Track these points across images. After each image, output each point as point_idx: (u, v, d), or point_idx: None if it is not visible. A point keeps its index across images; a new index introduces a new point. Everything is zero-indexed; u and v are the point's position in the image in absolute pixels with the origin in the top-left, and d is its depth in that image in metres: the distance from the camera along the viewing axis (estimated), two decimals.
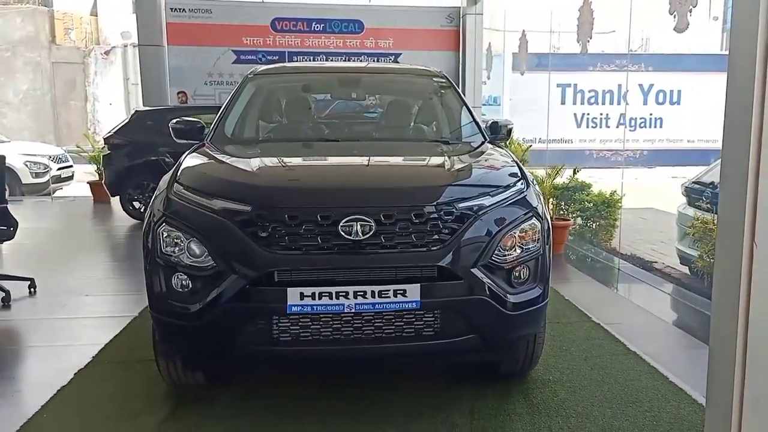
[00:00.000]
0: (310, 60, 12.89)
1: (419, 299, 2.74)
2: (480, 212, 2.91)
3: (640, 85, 19.83)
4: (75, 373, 3.64)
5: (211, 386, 3.38)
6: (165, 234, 2.92)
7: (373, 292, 2.72)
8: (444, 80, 4.58)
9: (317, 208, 2.78)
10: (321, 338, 2.79)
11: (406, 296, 2.74)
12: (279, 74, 4.78)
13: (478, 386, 3.43)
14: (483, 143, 3.96)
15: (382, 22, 12.87)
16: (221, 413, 3.16)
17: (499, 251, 2.90)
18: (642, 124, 19.98)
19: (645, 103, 19.88)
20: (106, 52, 23.61)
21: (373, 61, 12.58)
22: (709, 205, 5.72)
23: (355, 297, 2.72)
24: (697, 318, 4.85)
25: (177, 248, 2.88)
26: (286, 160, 3.44)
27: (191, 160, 3.39)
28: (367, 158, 3.58)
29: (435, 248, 2.80)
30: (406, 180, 3.19)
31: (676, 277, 6.66)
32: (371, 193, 2.93)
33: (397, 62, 12.50)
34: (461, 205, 2.90)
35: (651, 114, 19.86)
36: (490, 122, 4.23)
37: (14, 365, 3.91)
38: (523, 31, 9.39)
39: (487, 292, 2.84)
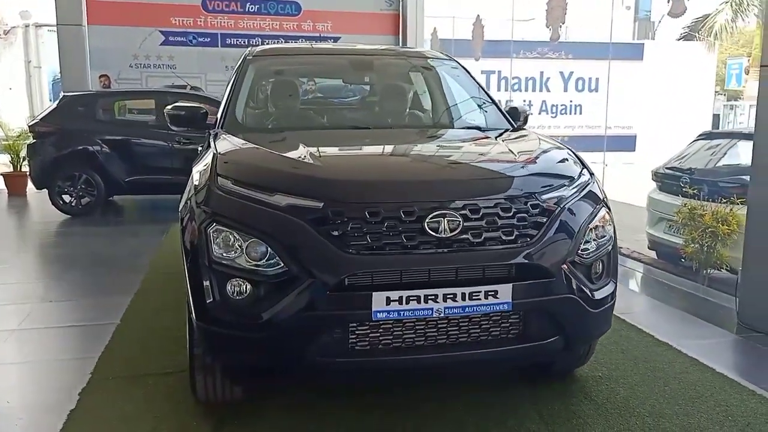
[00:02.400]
0: (245, 42, 12.37)
1: (511, 300, 2.52)
2: (561, 204, 2.73)
3: (561, 73, 20.37)
4: (80, 393, 3.19)
5: (246, 401, 3.03)
6: (216, 235, 2.56)
7: (463, 294, 2.47)
8: (456, 65, 4.36)
9: (399, 203, 2.50)
10: (403, 346, 2.53)
11: (497, 297, 2.50)
12: (282, 56, 4.40)
13: (531, 387, 3.25)
14: (509, 131, 3.79)
15: (320, 4, 12.49)
16: (273, 429, 2.84)
17: (581, 246, 2.73)
18: (563, 111, 20.53)
19: (565, 90, 20.44)
20: (5, 33, 21.77)
21: (314, 43, 12.18)
22: (696, 191, 5.82)
23: (445, 300, 2.46)
24: (697, 303, 4.90)
25: (233, 251, 2.52)
26: (339, 150, 3.12)
27: (226, 151, 3.00)
28: (423, 147, 3.31)
29: (524, 244, 2.58)
30: (484, 170, 2.95)
31: (647, 262, 6.77)
32: (455, 185, 2.67)
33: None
34: (544, 196, 2.70)
35: (571, 101, 20.44)
36: (508, 108, 4.07)
37: (1, 387, 3.39)
38: (478, 16, 9.28)
39: (576, 290, 2.65)
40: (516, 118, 3.98)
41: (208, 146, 3.30)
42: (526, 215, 2.62)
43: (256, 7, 12.38)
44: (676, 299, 5.00)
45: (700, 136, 6.95)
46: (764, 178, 4.12)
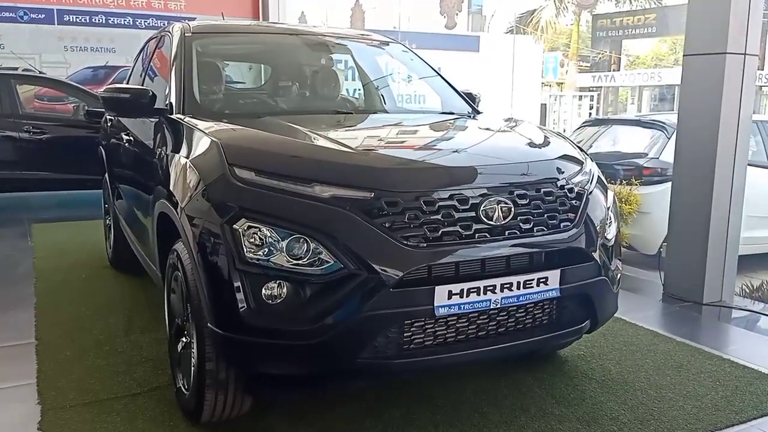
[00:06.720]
0: (86, 20, 11.24)
1: (558, 286, 2.48)
2: (586, 187, 2.74)
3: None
4: (39, 428, 2.68)
5: (248, 417, 2.73)
6: (247, 232, 2.25)
7: (518, 283, 2.39)
8: (406, 49, 4.26)
9: (452, 191, 2.35)
10: (456, 341, 2.40)
11: (547, 284, 2.45)
12: (225, 34, 3.97)
13: (529, 371, 3.24)
14: (481, 114, 3.80)
15: None
16: None
17: (606, 228, 2.77)
18: (408, 100, 20.85)
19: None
20: None
21: (165, 23, 11.28)
22: None
23: (502, 290, 2.37)
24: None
25: (269, 249, 2.23)
26: (358, 136, 2.88)
27: (230, 138, 2.64)
28: (436, 131, 3.16)
29: (566, 228, 2.55)
30: (522, 154, 2.84)
31: None
32: (502, 170, 2.57)
33: None
34: (574, 180, 2.69)
35: (415, 90, 20.87)
36: (466, 93, 4.08)
37: None
38: (357, 1, 9.14)
39: (605, 272, 2.68)
40: (474, 102, 4.01)
41: (179, 133, 2.92)
42: (565, 198, 2.59)
43: None
44: None
45: (585, 123, 7.41)
46: (686, 164, 4.44)
